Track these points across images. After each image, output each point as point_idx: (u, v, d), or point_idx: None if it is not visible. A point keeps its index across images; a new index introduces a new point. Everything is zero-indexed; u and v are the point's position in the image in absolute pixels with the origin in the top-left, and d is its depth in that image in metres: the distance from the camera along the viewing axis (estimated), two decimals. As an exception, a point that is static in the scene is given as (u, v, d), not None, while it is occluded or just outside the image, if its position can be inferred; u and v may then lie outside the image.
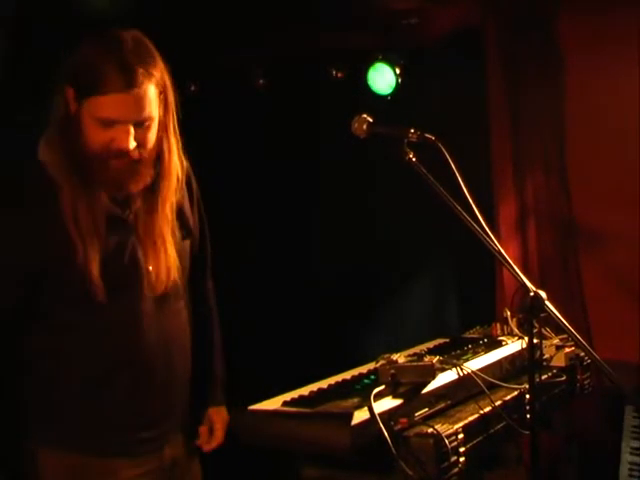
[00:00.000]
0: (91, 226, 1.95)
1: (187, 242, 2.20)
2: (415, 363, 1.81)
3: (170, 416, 2.12)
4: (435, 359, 1.83)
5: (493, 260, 1.94)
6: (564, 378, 2.20)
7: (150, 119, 1.95)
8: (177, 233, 2.14)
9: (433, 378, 1.81)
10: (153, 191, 2.06)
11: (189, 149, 2.17)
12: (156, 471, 2.10)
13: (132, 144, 1.92)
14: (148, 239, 2.05)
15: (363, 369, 2.12)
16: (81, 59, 1.93)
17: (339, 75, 4.05)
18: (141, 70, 1.89)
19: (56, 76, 1.97)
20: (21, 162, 2.08)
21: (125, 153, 1.93)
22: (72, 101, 1.93)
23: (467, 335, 2.52)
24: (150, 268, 2.04)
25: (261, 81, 4.16)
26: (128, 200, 2.04)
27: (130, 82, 1.87)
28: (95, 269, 1.93)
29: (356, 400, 1.75)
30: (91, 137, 1.93)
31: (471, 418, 1.81)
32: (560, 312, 1.86)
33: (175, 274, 2.09)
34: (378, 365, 1.83)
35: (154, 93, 1.93)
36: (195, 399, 2.25)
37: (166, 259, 2.07)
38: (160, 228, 2.07)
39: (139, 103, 1.90)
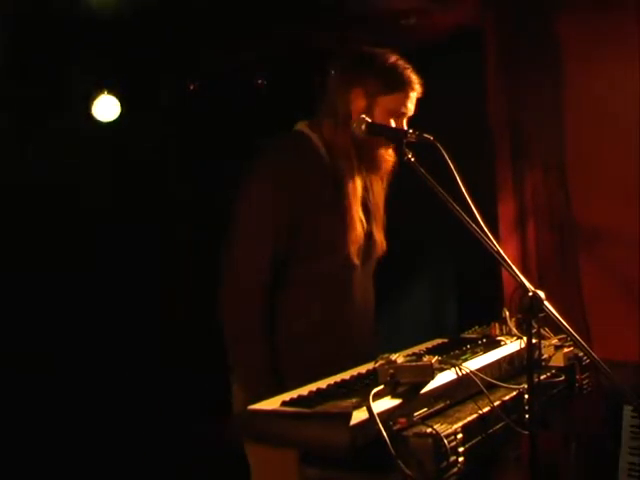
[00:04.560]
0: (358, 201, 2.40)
1: None
2: (414, 363, 1.81)
3: None
4: (434, 359, 1.82)
5: (492, 260, 1.94)
6: (563, 378, 2.20)
7: None
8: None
9: (432, 378, 1.81)
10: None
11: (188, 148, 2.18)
12: None
13: None
14: (376, 213, 2.53)
15: (362, 369, 2.11)
16: (377, 67, 2.34)
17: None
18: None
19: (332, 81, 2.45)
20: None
21: None
22: (361, 99, 2.33)
23: (466, 335, 2.52)
24: (377, 239, 2.49)
25: (260, 81, 4.16)
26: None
27: (420, 83, 2.37)
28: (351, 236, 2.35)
29: (355, 400, 1.74)
30: None
31: (470, 418, 1.81)
32: (559, 312, 1.86)
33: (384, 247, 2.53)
34: (377, 365, 1.82)
35: None
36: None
37: (381, 232, 2.52)
38: (381, 207, 2.55)
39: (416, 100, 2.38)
